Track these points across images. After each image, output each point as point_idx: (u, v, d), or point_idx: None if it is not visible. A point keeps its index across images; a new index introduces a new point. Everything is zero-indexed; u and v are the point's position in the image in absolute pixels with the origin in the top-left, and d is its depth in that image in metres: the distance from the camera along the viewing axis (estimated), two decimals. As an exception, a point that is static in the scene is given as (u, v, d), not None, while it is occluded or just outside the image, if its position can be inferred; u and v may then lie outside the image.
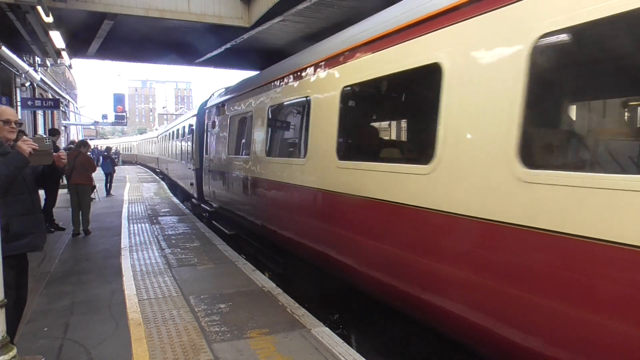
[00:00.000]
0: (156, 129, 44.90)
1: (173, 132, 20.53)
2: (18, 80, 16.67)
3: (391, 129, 5.73)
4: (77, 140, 14.89)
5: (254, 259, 8.55)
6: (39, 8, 9.55)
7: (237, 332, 4.50)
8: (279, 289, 5.91)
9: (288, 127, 7.14)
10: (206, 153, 12.03)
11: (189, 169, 14.52)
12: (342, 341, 4.32)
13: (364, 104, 5.49)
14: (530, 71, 2.85)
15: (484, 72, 3.23)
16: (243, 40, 14.37)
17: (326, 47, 5.69)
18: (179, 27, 13.93)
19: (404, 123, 6.26)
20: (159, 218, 11.82)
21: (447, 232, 3.44)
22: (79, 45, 15.57)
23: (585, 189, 2.49)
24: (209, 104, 12.43)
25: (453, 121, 3.46)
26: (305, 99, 5.76)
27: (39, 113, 21.28)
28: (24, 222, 3.63)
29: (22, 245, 3.59)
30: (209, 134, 11.90)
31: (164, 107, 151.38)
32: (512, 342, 2.93)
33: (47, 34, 12.06)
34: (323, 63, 5.51)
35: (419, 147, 4.49)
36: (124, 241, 8.80)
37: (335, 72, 5.20)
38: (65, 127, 30.34)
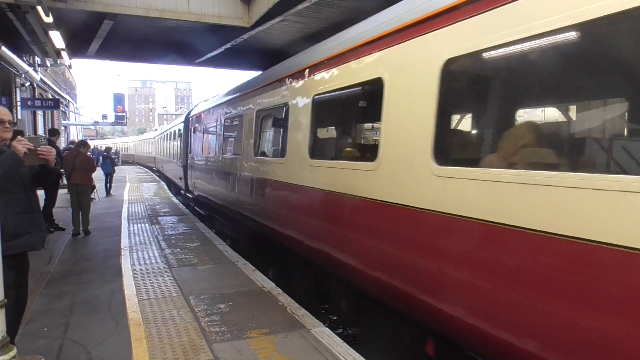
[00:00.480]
0: (155, 129, 46.16)
1: (166, 134, 23.95)
2: (18, 80, 16.68)
3: (351, 133, 6.60)
4: (76, 141, 14.89)
5: (220, 232, 11.14)
6: (39, 8, 9.55)
7: (237, 332, 4.50)
8: (279, 289, 5.92)
9: (239, 132, 8.96)
10: (190, 152, 14.62)
11: (178, 166, 17.26)
12: (342, 341, 4.33)
13: (329, 111, 6.37)
14: (440, 88, 3.59)
15: (410, 88, 3.96)
16: (243, 41, 14.38)
17: (296, 62, 6.61)
18: (178, 27, 13.93)
19: (360, 128, 7.33)
20: (159, 218, 11.82)
21: (387, 218, 4.20)
22: (78, 45, 15.58)
23: (477, 181, 3.20)
24: (192, 113, 15.18)
25: (390, 127, 4.23)
26: (283, 106, 6.73)
27: (39, 113, 21.30)
28: (21, 221, 3.63)
29: (18, 245, 3.58)
30: (191, 137, 14.39)
31: (163, 107, 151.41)
32: (434, 308, 3.62)
33: (47, 34, 12.07)
34: (270, 85, 7.33)
35: (369, 148, 5.47)
36: (124, 241, 8.80)
37: (283, 89, 6.75)
38: (65, 127, 30.35)
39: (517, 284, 2.88)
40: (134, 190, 19.05)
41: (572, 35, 2.74)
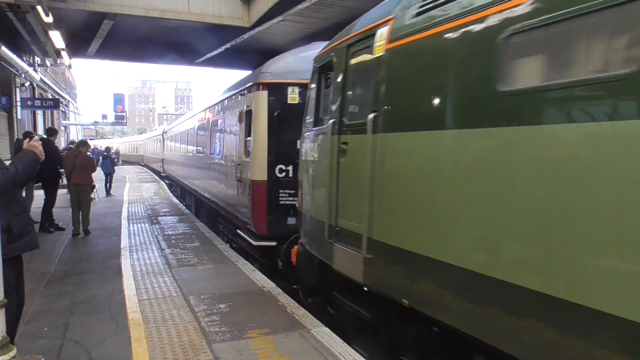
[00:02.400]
0: (155, 129, 47.99)
1: (152, 139, 34.75)
2: (18, 80, 16.67)
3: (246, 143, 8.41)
4: (76, 141, 14.88)
5: (182, 197, 17.94)
6: (39, 8, 9.55)
7: (237, 332, 4.50)
8: (279, 289, 5.91)
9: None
10: (163, 151, 24.79)
11: (159, 159, 27.19)
12: (342, 341, 4.32)
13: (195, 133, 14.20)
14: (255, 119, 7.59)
15: (260, 116, 7.53)
16: (243, 40, 14.38)
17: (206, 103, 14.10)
18: (179, 27, 13.94)
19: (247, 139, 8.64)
20: (159, 218, 11.82)
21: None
22: (78, 45, 15.59)
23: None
24: (165, 130, 25.76)
25: (258, 145, 7.56)
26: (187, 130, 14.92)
27: (39, 113, 21.30)
28: (22, 220, 3.65)
29: (24, 244, 3.61)
30: (164, 143, 24.39)
31: (163, 107, 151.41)
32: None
33: (47, 34, 12.07)
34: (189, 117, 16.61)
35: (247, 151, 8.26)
36: (124, 241, 8.80)
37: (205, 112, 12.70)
38: (65, 127, 30.35)
39: None
40: (134, 190, 19.04)
41: None
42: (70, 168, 9.52)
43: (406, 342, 3.97)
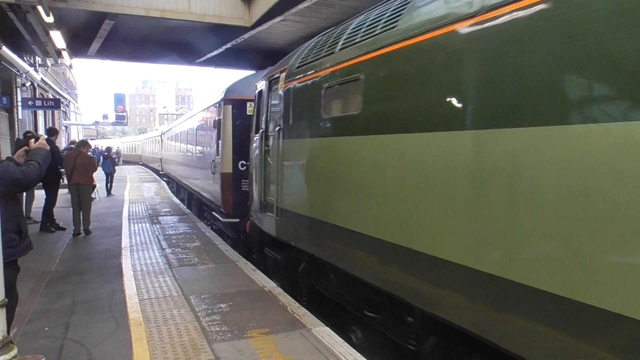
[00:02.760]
0: (156, 129, 49.18)
1: (149, 139, 39.01)
2: (19, 80, 16.69)
3: (218, 144, 10.45)
4: (77, 140, 14.89)
5: (178, 192, 19.67)
6: (40, 8, 9.55)
7: (238, 332, 4.50)
8: (280, 289, 5.92)
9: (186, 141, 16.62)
10: (161, 151, 28.21)
11: (157, 158, 30.36)
12: (343, 341, 4.32)
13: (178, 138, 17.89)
14: (223, 126, 9.80)
15: (227, 124, 9.69)
16: (243, 40, 14.37)
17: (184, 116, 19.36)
18: (179, 27, 13.94)
19: (219, 141, 10.60)
20: (160, 218, 11.83)
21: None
22: (79, 45, 15.59)
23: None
24: (163, 132, 28.25)
25: (225, 146, 9.65)
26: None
27: (40, 113, 21.31)
28: (24, 220, 3.69)
29: (28, 243, 3.68)
30: (162, 143, 27.36)
31: (164, 107, 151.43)
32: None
33: (47, 34, 12.07)
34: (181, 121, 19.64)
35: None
36: (125, 241, 8.80)
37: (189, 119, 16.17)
38: (66, 127, 30.36)
39: None
40: (135, 190, 19.06)
41: None
42: (70, 168, 9.52)
43: (299, 270, 6.34)
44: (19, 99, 16.74)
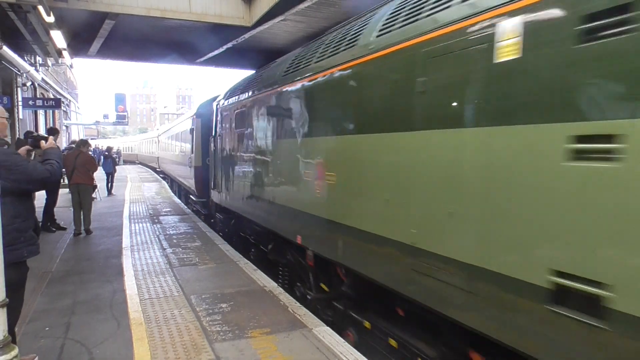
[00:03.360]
0: (157, 129, 50.33)
1: (145, 140, 44.95)
2: (19, 79, 16.68)
3: (192, 146, 14.16)
4: (77, 140, 14.89)
5: (171, 185, 21.83)
6: (40, 8, 9.54)
7: (239, 332, 4.50)
8: (280, 289, 5.91)
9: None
10: (159, 150, 30.73)
11: (154, 157, 33.77)
12: (344, 340, 4.32)
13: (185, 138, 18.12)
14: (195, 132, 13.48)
15: (197, 132, 13.35)
16: (244, 40, 14.34)
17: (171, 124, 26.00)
18: (180, 27, 13.91)
19: (193, 144, 14.16)
20: (160, 218, 11.83)
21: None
22: (80, 45, 15.56)
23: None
24: (159, 133, 31.78)
25: (196, 147, 13.25)
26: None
27: (40, 113, 21.30)
28: (36, 219, 3.76)
29: (37, 242, 3.68)
30: (159, 143, 30.25)
31: (165, 107, 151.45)
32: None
33: (48, 34, 12.06)
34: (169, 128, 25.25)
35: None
36: (125, 241, 8.80)
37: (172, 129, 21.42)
38: (67, 126, 30.36)
39: None
40: (135, 190, 19.06)
41: None
42: (71, 168, 9.52)
43: (231, 222, 10.04)
44: (20, 98, 16.73)
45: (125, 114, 33.52)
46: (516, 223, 2.71)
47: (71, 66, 28.50)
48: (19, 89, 16.71)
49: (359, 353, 4.07)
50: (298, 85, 5.81)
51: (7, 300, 2.73)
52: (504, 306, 2.80)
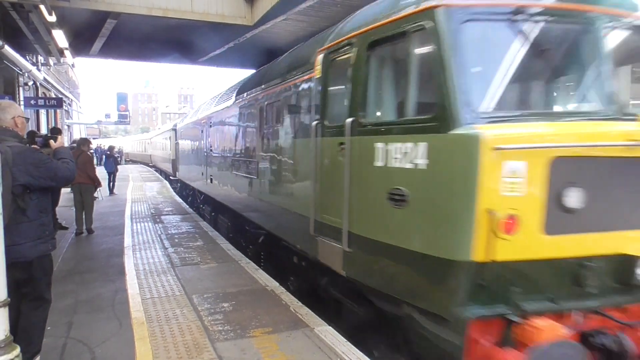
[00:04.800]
0: (159, 128, 52.79)
1: (136, 141, 53.96)
2: (21, 79, 16.70)
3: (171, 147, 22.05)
4: (77, 139, 14.89)
5: (161, 174, 29.17)
6: (42, 7, 9.56)
7: (241, 331, 4.49)
8: (282, 288, 5.90)
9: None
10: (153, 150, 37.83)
11: (147, 155, 41.06)
12: (346, 340, 4.31)
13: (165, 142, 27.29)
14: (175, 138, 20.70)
15: (172, 140, 21.37)
16: (246, 39, 14.37)
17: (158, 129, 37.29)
18: (182, 26, 13.93)
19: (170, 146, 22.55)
20: (162, 217, 11.83)
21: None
22: (82, 44, 15.59)
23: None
24: (150, 136, 42.72)
25: (171, 148, 21.80)
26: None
27: (42, 112, 21.32)
28: None
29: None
30: (155, 143, 35.92)
31: (167, 107, 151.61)
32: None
33: (50, 33, 12.08)
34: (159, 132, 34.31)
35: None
36: (127, 240, 8.80)
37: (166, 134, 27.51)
38: (69, 126, 30.41)
39: None
40: (137, 189, 19.07)
41: None
42: (73, 167, 9.52)
43: (184, 185, 18.45)
44: (22, 98, 16.75)
45: (127, 113, 33.59)
46: (299, 188, 5.63)
47: (73, 65, 28.55)
48: (20, 89, 16.73)
49: (361, 353, 4.06)
50: (202, 118, 12.72)
51: (9, 299, 2.73)
52: (295, 226, 5.67)
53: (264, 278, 6.33)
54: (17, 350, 2.78)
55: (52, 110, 22.43)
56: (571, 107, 4.16)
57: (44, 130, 20.39)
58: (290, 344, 4.19)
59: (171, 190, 19.42)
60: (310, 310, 5.10)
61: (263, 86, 7.19)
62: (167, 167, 24.01)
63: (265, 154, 6.81)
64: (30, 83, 17.88)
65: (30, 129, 16.14)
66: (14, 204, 3.19)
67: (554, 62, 3.92)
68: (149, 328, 4.56)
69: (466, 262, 3.12)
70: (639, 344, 3.38)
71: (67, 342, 4.28)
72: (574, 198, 3.16)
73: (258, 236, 7.90)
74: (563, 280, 3.34)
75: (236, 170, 8.68)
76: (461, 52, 3.30)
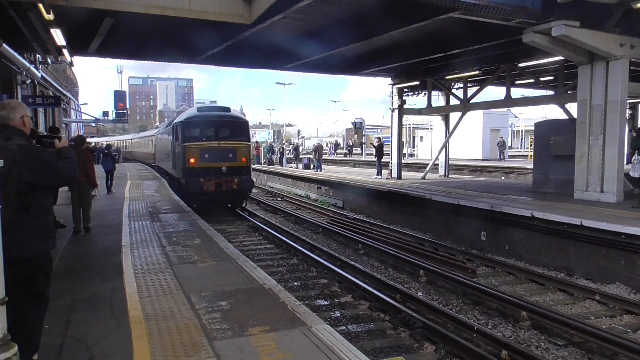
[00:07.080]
0: (157, 126, 56.01)
1: (122, 141, 60.76)
2: (19, 77, 16.64)
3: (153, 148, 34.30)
4: (74, 137, 14.87)
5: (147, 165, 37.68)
6: (40, 5, 9.52)
7: (238, 330, 4.50)
8: (280, 287, 5.91)
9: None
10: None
11: (129, 152, 51.85)
12: (343, 339, 4.33)
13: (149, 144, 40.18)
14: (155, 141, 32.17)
15: (160, 141, 29.32)
16: (244, 38, 14.32)
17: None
18: (179, 25, 13.88)
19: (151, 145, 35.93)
20: (160, 215, 11.82)
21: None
22: (80, 42, 15.53)
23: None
24: (134, 136, 57.48)
25: (154, 146, 32.99)
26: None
27: (40, 110, 21.28)
28: None
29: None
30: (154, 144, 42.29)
31: (165, 105, 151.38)
32: None
33: (48, 32, 12.04)
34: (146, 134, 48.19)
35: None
36: (125, 238, 8.80)
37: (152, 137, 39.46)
38: (67, 124, 30.38)
39: None
40: (135, 188, 19.05)
41: None
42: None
43: (160, 169, 27.68)
44: (20, 96, 16.69)
45: (125, 111, 33.50)
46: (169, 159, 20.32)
47: (71, 64, 28.46)
48: (18, 87, 16.67)
49: (358, 351, 4.07)
50: (152, 135, 33.36)
51: (6, 298, 2.73)
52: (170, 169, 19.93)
53: (261, 276, 6.34)
54: (15, 349, 2.79)
55: (50, 108, 22.39)
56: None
57: (41, 129, 20.35)
58: (288, 343, 4.20)
59: (169, 188, 19.40)
60: (307, 309, 5.12)
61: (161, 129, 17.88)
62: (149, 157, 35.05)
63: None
64: (28, 81, 17.82)
65: (31, 128, 16.08)
66: (17, 201, 3.22)
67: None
68: (146, 326, 4.56)
69: None
70: None
71: (65, 341, 4.29)
72: None
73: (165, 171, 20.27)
74: None
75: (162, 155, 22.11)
76: None
